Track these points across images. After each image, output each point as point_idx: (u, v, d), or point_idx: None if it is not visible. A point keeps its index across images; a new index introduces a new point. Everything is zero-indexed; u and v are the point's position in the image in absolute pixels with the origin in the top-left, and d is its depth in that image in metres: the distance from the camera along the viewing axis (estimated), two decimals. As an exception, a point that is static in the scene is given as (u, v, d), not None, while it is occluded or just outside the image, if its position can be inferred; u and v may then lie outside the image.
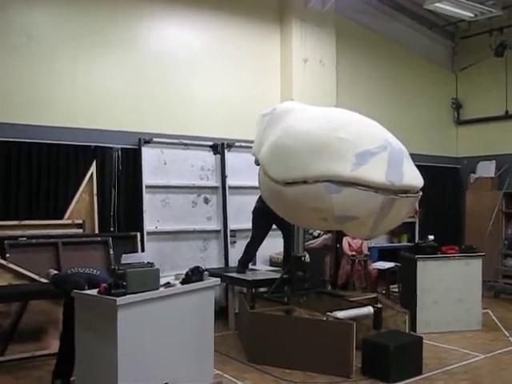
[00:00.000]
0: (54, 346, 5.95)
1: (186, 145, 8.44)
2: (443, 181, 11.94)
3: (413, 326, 7.18)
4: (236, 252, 8.65)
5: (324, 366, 5.80)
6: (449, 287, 7.61)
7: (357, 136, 6.01)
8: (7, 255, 6.44)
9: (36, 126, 7.28)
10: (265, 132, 6.66)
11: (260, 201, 7.40)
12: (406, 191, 5.79)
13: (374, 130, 6.15)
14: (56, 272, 5.63)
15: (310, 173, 6.03)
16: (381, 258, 9.84)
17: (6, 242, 6.52)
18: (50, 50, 7.49)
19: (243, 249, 8.05)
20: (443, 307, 7.57)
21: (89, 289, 4.74)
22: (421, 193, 5.91)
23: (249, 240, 8.01)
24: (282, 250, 7.99)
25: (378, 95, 10.98)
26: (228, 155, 8.71)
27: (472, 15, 10.10)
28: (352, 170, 5.83)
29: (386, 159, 5.78)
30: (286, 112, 6.75)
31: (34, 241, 6.78)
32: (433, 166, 11.59)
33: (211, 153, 8.71)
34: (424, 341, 6.11)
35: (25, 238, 6.75)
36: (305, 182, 6.02)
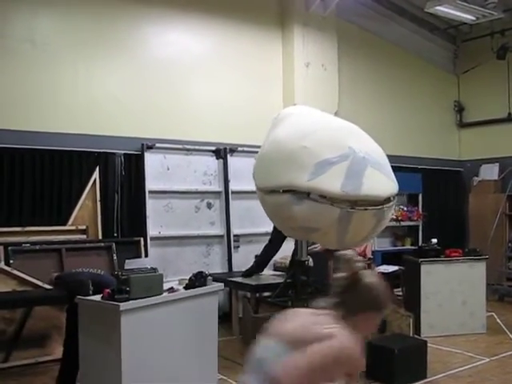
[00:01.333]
0: (57, 352, 5.95)
1: (188, 150, 8.45)
2: (446, 184, 11.93)
3: (417, 330, 7.18)
4: (239, 257, 8.66)
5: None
6: (453, 290, 7.60)
7: (320, 144, 5.97)
8: (11, 261, 6.45)
9: (39, 133, 7.29)
10: (266, 138, 6.69)
11: None
12: (367, 202, 5.68)
13: (342, 138, 5.99)
14: (58, 274, 5.64)
15: (278, 182, 6.14)
16: (384, 262, 9.81)
17: (9, 248, 6.53)
18: (52, 55, 7.51)
19: (254, 254, 8.10)
20: (447, 310, 7.56)
21: (93, 287, 4.76)
22: (391, 203, 5.79)
23: (267, 243, 7.94)
24: (287, 254, 7.97)
25: (379, 99, 10.98)
26: (231, 160, 8.72)
27: (473, 18, 10.10)
28: (308, 179, 5.85)
29: (345, 169, 5.72)
30: (284, 117, 6.78)
31: (37, 247, 6.80)
32: (435, 169, 11.60)
33: (214, 158, 8.72)
34: (428, 344, 6.11)
35: (28, 244, 6.76)
36: (278, 191, 6.15)
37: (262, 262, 7.94)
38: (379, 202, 5.80)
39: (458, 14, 9.87)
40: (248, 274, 7.75)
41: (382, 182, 5.77)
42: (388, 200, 5.89)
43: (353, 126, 6.42)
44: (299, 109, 7.31)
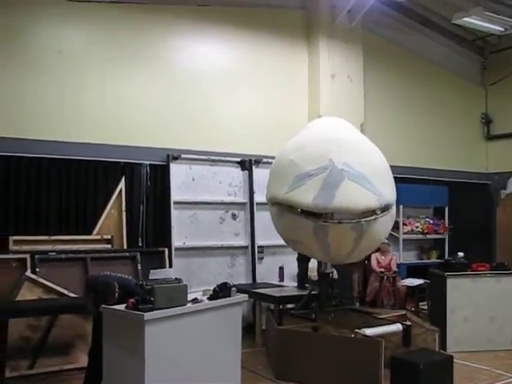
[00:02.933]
0: (81, 360, 5.99)
1: (213, 161, 8.48)
2: (473, 197, 11.75)
3: (443, 345, 7.07)
4: (264, 268, 8.65)
5: (352, 383, 5.72)
6: (480, 305, 7.48)
7: (303, 157, 6.06)
8: (37, 270, 6.52)
9: (66, 143, 7.38)
10: None
11: None
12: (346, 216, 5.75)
13: (326, 151, 6.01)
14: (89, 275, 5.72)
15: (269, 194, 6.47)
16: (410, 275, 9.71)
17: (36, 256, 6.60)
18: (79, 66, 7.61)
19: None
20: (474, 325, 7.44)
21: (119, 290, 4.80)
22: (372, 217, 5.78)
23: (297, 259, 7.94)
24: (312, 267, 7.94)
25: (405, 110, 10.92)
26: (256, 171, 8.73)
27: (502, 29, 9.99)
28: (286, 192, 5.92)
29: (321, 181, 5.71)
30: (299, 131, 6.90)
31: (63, 256, 6.86)
32: (462, 181, 11.48)
33: (239, 169, 8.74)
34: (454, 360, 6.00)
35: (54, 253, 6.83)
36: (271, 204, 6.47)
37: (300, 278, 7.93)
38: (356, 216, 5.76)
39: (486, 25, 9.77)
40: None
41: (357, 195, 5.71)
42: (373, 213, 5.87)
43: (351, 138, 6.40)
44: (318, 121, 7.38)
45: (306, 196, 5.77)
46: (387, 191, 6.05)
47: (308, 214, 5.99)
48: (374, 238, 6.12)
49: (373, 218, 5.85)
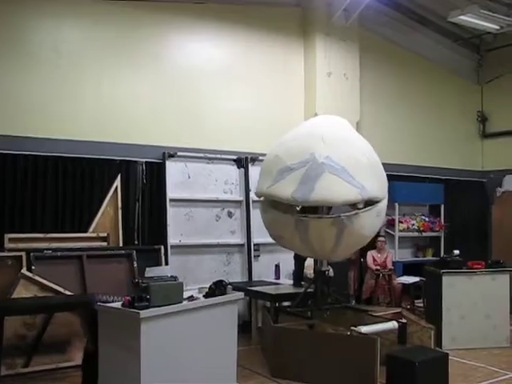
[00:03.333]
0: (77, 358, 5.99)
1: (209, 159, 8.48)
2: (469, 195, 11.78)
3: (438, 342, 7.09)
4: (260, 266, 8.66)
5: (348, 381, 5.74)
6: (475, 303, 7.50)
7: (287, 152, 6.07)
8: (33, 267, 6.50)
9: (61, 140, 7.36)
10: None
11: None
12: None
13: (308, 145, 6.02)
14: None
15: (257, 190, 6.56)
16: (405, 273, 9.73)
17: (31, 254, 6.59)
18: (76, 64, 7.59)
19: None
20: (469, 323, 7.46)
21: None
22: (352, 212, 5.78)
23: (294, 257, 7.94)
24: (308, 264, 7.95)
25: (402, 108, 10.94)
26: (252, 169, 8.72)
27: (497, 27, 10.00)
28: (268, 186, 5.95)
29: (301, 175, 5.71)
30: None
31: (59, 253, 6.85)
32: (458, 179, 11.50)
33: (235, 167, 8.74)
34: (450, 357, 5.99)
35: (50, 251, 6.81)
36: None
37: (296, 275, 7.93)
38: (338, 209, 5.85)
39: (482, 23, 9.77)
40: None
41: (337, 188, 5.69)
42: (355, 208, 5.84)
43: (339, 133, 6.34)
44: (312, 119, 7.41)
45: (286, 190, 5.79)
46: (372, 185, 5.95)
47: (290, 208, 6.04)
48: (357, 233, 6.04)
49: (353, 212, 5.84)
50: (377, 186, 6.11)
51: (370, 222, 6.13)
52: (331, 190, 5.70)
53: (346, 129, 6.72)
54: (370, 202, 6.03)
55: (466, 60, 12.18)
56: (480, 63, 12.29)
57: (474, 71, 12.32)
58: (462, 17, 9.47)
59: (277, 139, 6.72)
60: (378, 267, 9.19)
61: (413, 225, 10.52)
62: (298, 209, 6.34)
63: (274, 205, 6.20)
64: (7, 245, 6.68)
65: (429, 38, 11.23)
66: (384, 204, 6.36)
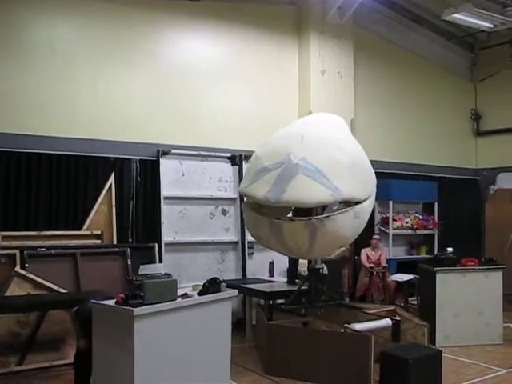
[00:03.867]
0: (71, 355, 5.95)
1: (204, 156, 8.47)
2: (462, 193, 11.83)
3: (432, 339, 7.12)
4: (254, 263, 8.66)
5: (342, 378, 5.76)
6: (469, 300, 7.53)
7: (266, 153, 6.14)
8: (26, 265, 6.50)
9: (56, 138, 7.35)
10: None
11: None
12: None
13: (286, 145, 6.03)
14: None
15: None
16: (399, 270, 9.76)
17: (25, 252, 6.58)
18: (71, 62, 7.57)
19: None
20: (463, 320, 7.49)
21: None
22: (322, 216, 5.80)
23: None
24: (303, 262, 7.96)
25: (396, 106, 10.96)
26: (246, 167, 8.71)
27: (491, 26, 10.02)
28: (246, 186, 6.01)
29: (276, 175, 5.75)
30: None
31: (52, 251, 6.85)
32: (451, 177, 11.54)
33: (229, 164, 8.74)
34: (443, 354, 6.02)
35: (44, 249, 6.81)
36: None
37: (290, 273, 7.92)
38: (311, 210, 5.94)
39: (476, 21, 9.79)
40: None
41: (309, 189, 5.69)
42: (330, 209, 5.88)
43: (320, 133, 6.29)
44: (305, 117, 7.43)
45: (260, 190, 5.84)
46: (349, 186, 5.87)
47: (267, 209, 6.13)
48: (332, 235, 5.96)
49: (325, 215, 5.85)
50: (356, 186, 6.00)
51: (348, 223, 6.03)
52: (303, 191, 5.71)
53: (335, 128, 6.65)
54: (349, 203, 6.02)
55: (460, 58, 12.22)
56: (474, 61, 12.34)
57: (467, 69, 12.37)
58: (456, 15, 9.48)
59: (263, 139, 6.72)
60: (372, 265, 9.21)
61: (407, 223, 10.54)
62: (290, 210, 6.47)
63: (251, 205, 6.27)
64: (0, 243, 6.67)
65: (423, 36, 11.26)
66: (366, 205, 6.23)
